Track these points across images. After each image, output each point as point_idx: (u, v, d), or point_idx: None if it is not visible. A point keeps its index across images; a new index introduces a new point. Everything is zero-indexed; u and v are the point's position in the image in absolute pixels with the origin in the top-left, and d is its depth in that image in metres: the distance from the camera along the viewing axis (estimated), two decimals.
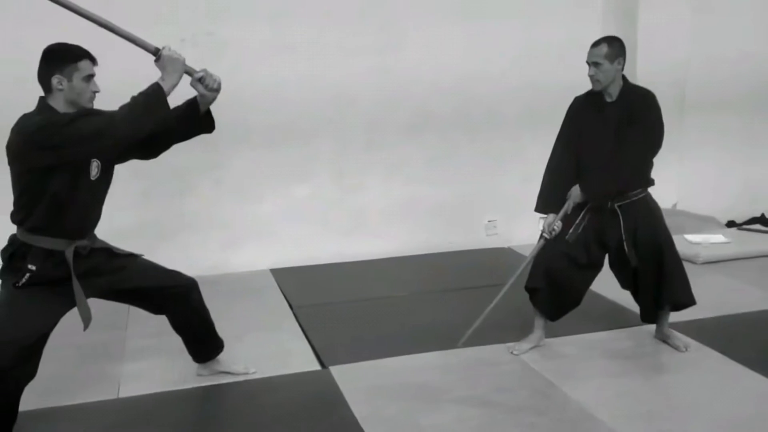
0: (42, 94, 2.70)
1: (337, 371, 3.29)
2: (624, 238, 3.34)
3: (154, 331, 3.84)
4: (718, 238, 5.19)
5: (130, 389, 3.20)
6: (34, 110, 2.67)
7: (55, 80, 2.63)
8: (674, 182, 5.62)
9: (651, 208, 3.42)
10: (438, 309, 4.18)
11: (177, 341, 3.24)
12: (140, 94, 2.73)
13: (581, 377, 3.21)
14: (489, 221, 5.54)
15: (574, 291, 3.47)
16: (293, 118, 4.94)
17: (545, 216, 3.46)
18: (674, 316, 3.87)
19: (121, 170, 4.79)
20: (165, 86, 2.72)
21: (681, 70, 5.48)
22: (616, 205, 3.33)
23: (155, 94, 2.71)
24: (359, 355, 3.45)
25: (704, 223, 5.57)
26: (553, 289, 3.40)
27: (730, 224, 5.86)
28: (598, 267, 3.48)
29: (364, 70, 5.04)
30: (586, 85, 5.48)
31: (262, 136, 4.89)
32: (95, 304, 4.48)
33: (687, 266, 4.77)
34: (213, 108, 4.89)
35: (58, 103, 2.66)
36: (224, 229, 4.92)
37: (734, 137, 5.92)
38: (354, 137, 5.15)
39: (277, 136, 4.92)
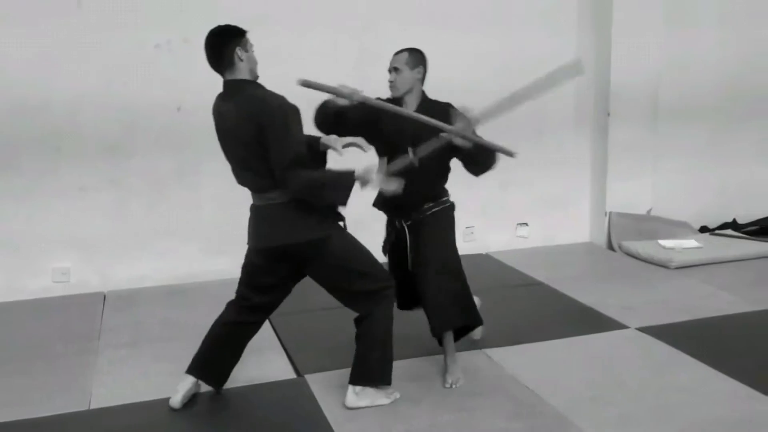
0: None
1: (312, 379, 3.29)
2: (408, 250, 3.27)
3: (127, 341, 3.82)
4: (691, 243, 5.25)
5: (102, 400, 3.15)
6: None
7: (239, 51, 2.84)
8: (648, 188, 5.69)
9: (439, 221, 3.32)
10: (414, 316, 4.17)
11: (150, 351, 3.21)
12: (336, 179, 2.89)
13: (557, 382, 3.22)
14: (467, 227, 5.55)
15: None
16: None
17: None
18: (646, 320, 3.93)
19: (97, 177, 4.79)
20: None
21: (654, 78, 5.56)
22: (410, 221, 3.27)
23: (344, 189, 2.88)
24: (335, 363, 3.42)
25: (677, 228, 5.64)
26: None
27: (703, 229, 5.93)
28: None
29: (344, 78, 5.01)
30: (559, 94, 5.57)
31: None
32: (68, 314, 4.44)
33: (660, 271, 4.91)
34: (189, 113, 4.89)
35: (245, 75, 2.88)
36: (202, 236, 4.89)
37: (707, 144, 6.00)
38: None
39: None
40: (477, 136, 3.16)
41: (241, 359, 3.41)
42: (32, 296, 4.61)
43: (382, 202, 3.33)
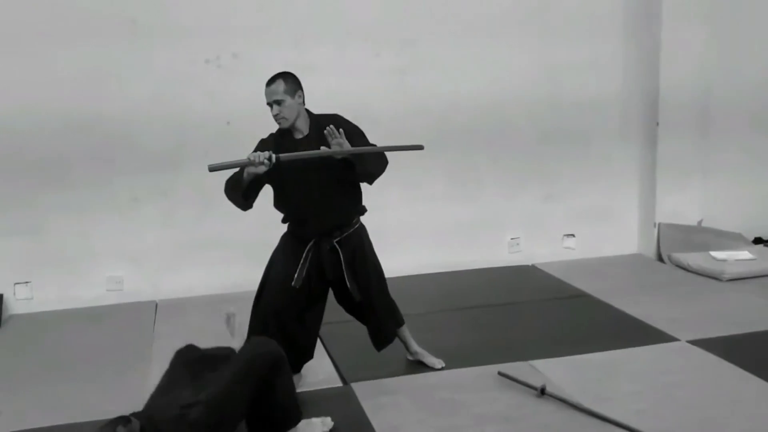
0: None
1: (358, 387, 3.32)
2: (345, 274, 3.24)
3: (179, 348, 3.90)
4: (744, 254, 5.13)
5: None
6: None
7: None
8: (699, 199, 5.58)
9: (363, 238, 3.35)
10: (460, 326, 4.19)
11: None
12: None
13: (604, 394, 3.18)
14: (512, 239, 5.53)
15: (307, 334, 3.34)
16: None
17: None
18: (697, 332, 3.85)
19: (149, 189, 4.92)
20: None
21: (704, 87, 5.46)
22: (334, 242, 3.21)
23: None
24: (380, 372, 3.47)
25: (730, 239, 5.51)
26: (287, 336, 3.17)
27: (757, 241, 5.78)
28: (322, 301, 3.37)
29: (385, 89, 5.09)
30: (606, 104, 5.54)
31: None
32: (122, 322, 4.57)
33: (712, 283, 4.82)
34: (239, 125, 4.97)
35: None
36: (248, 246, 4.97)
37: (760, 153, 5.85)
38: None
39: None
40: (366, 146, 3.17)
41: None
42: (87, 304, 4.76)
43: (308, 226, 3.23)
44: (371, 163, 3.17)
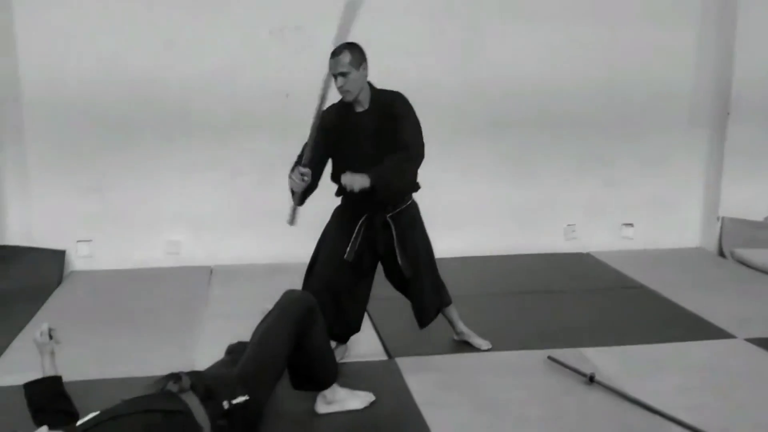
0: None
1: (402, 362, 3.34)
2: (397, 249, 3.21)
3: (230, 312, 4.00)
4: None
5: (206, 364, 3.30)
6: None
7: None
8: (767, 194, 5.36)
9: (415, 215, 3.32)
10: (510, 310, 4.15)
11: (252, 323, 3.32)
12: None
13: (652, 386, 3.11)
14: (568, 225, 5.44)
15: (356, 307, 3.34)
16: None
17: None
18: (757, 331, 3.73)
19: (209, 157, 5.00)
20: None
21: None
22: (388, 217, 3.19)
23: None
24: (425, 349, 3.48)
25: None
26: (337, 308, 3.23)
27: None
28: (371, 275, 3.35)
29: (446, 68, 5.04)
30: (675, 91, 5.35)
31: None
32: (177, 284, 4.67)
33: None
34: (298, 99, 4.96)
35: None
36: (302, 217, 5.00)
37: None
38: (432, 134, 5.12)
39: None
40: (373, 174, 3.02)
41: None
42: (144, 266, 4.90)
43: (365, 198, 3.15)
44: (391, 181, 3.07)
